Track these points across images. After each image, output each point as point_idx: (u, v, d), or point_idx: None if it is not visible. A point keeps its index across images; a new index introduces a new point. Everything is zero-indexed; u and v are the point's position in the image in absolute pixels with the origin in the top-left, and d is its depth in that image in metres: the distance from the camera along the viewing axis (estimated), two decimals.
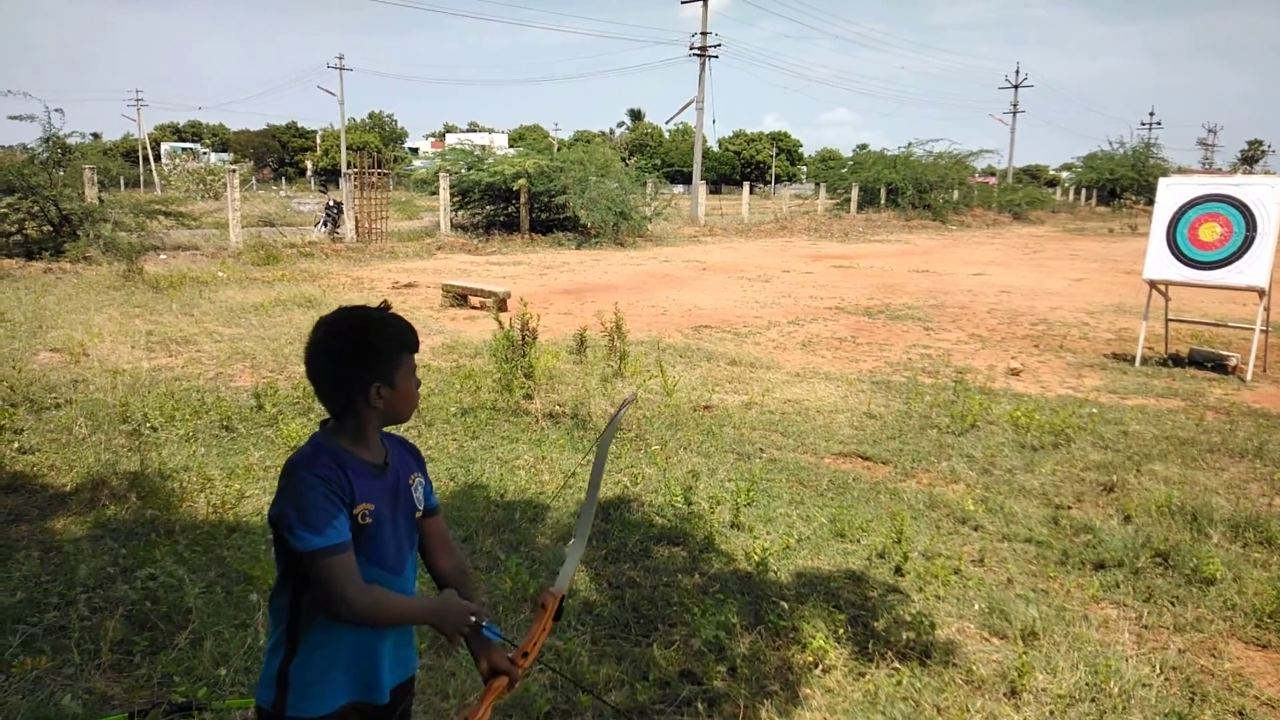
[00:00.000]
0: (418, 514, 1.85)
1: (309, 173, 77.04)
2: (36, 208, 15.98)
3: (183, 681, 2.89)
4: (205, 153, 62.80)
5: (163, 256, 16.26)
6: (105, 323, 9.52)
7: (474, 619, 1.74)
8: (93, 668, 3.01)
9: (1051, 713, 2.91)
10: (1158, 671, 3.17)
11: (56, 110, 16.40)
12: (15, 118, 16.11)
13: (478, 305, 11.87)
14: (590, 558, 3.98)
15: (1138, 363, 8.83)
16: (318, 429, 1.78)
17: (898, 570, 3.92)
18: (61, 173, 16.22)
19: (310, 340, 1.75)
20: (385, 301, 1.85)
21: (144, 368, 7.54)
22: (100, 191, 16.73)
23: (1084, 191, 59.45)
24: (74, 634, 3.18)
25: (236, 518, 4.36)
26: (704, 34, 37.40)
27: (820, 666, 3.13)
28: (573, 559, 2.07)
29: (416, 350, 1.81)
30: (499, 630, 1.80)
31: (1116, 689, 3.01)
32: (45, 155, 16.36)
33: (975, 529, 4.51)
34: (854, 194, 39.07)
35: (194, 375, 7.39)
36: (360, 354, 1.73)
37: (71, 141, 16.96)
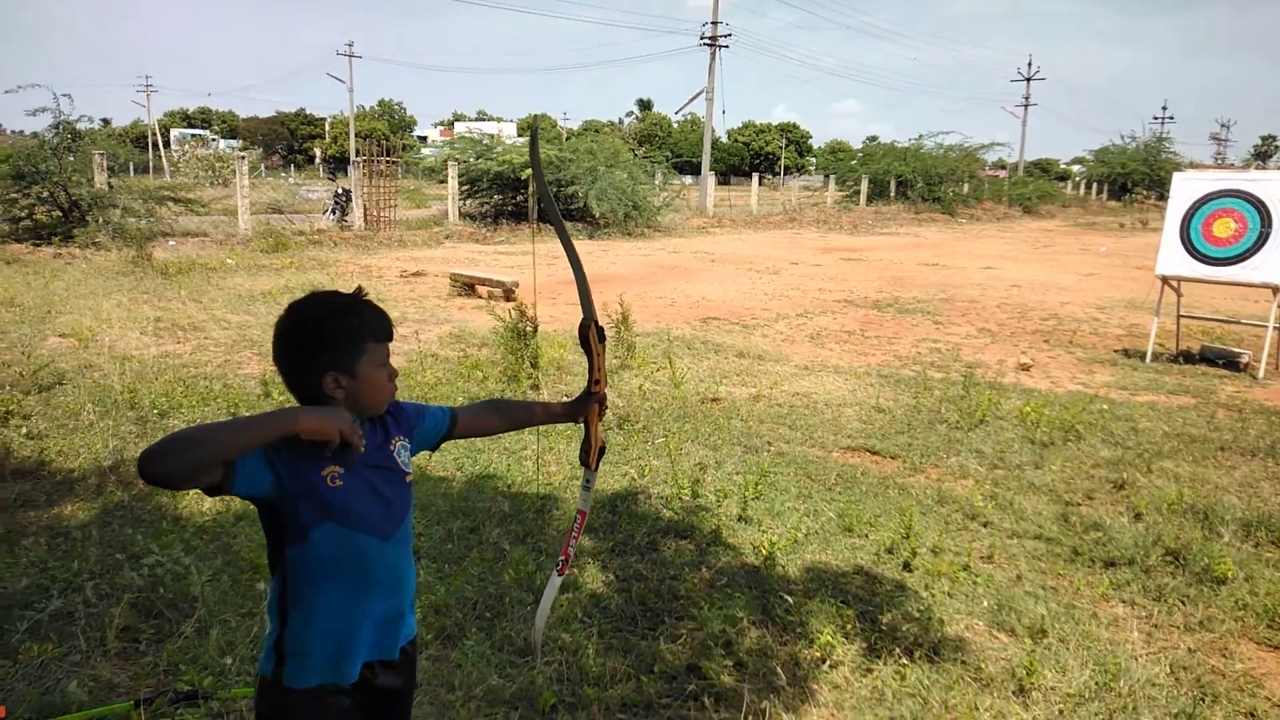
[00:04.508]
0: (408, 477, 1.80)
1: (318, 160, 77.09)
2: (46, 193, 16.03)
3: (188, 670, 2.89)
4: (214, 139, 62.83)
5: (171, 243, 16.30)
6: (113, 308, 9.54)
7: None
8: (99, 655, 3.00)
9: (1060, 712, 2.89)
10: (1168, 671, 3.14)
11: (65, 95, 16.43)
12: (32, 113, 16.19)
13: (485, 295, 11.86)
14: (596, 550, 3.97)
15: (1148, 359, 8.77)
16: None
17: (906, 566, 3.90)
18: (71, 158, 16.24)
19: (276, 325, 1.70)
20: (359, 287, 1.78)
21: (151, 354, 7.55)
22: (109, 177, 16.77)
23: (1095, 186, 59.04)
24: (80, 621, 3.19)
25: (244, 506, 4.35)
26: (715, 23, 37.27)
27: (828, 662, 3.11)
28: (583, 292, 2.25)
29: (386, 339, 1.74)
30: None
31: (1126, 688, 2.99)
32: (55, 141, 16.38)
33: (984, 525, 4.48)
34: (863, 186, 38.91)
35: (201, 362, 7.40)
36: (318, 340, 1.66)
37: (81, 127, 16.96)
